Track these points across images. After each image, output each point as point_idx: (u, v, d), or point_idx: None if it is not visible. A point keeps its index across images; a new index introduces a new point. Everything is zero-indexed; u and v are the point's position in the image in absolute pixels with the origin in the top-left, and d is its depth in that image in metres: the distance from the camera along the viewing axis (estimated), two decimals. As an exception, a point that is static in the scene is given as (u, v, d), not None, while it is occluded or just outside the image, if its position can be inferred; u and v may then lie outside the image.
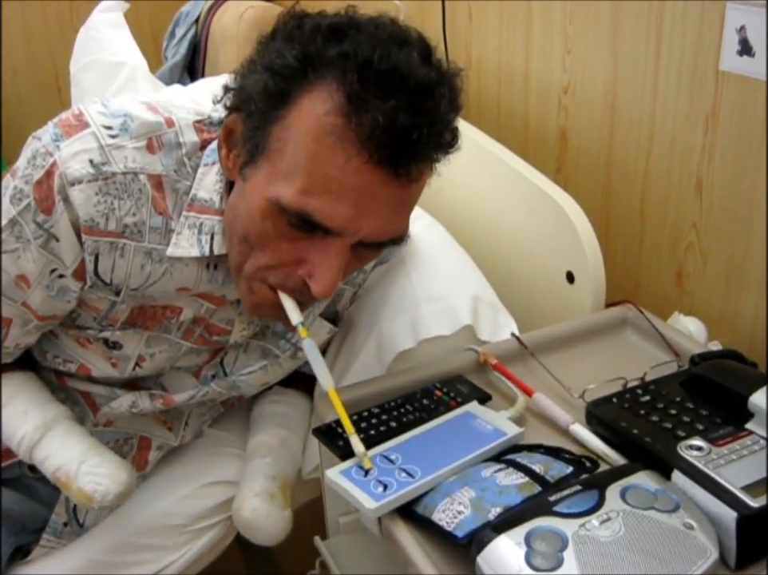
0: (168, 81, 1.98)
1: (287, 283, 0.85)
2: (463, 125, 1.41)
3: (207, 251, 0.91)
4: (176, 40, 2.20)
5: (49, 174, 0.87)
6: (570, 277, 1.17)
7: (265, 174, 0.82)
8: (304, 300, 0.87)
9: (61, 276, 0.92)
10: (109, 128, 0.89)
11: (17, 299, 0.95)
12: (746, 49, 1.07)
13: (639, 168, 1.30)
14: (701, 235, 1.22)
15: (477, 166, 1.37)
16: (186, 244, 0.92)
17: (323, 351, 1.18)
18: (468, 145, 1.39)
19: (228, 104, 0.88)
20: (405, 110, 0.75)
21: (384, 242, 0.85)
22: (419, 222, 1.26)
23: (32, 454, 1.02)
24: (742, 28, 1.06)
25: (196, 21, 2.18)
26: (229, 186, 0.90)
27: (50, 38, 2.42)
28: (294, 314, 0.86)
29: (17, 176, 0.90)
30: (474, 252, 1.31)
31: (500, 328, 1.11)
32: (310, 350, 0.86)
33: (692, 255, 1.24)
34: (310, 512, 1.20)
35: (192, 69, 2.18)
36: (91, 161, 0.87)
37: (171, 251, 0.92)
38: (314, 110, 0.78)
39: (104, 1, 1.76)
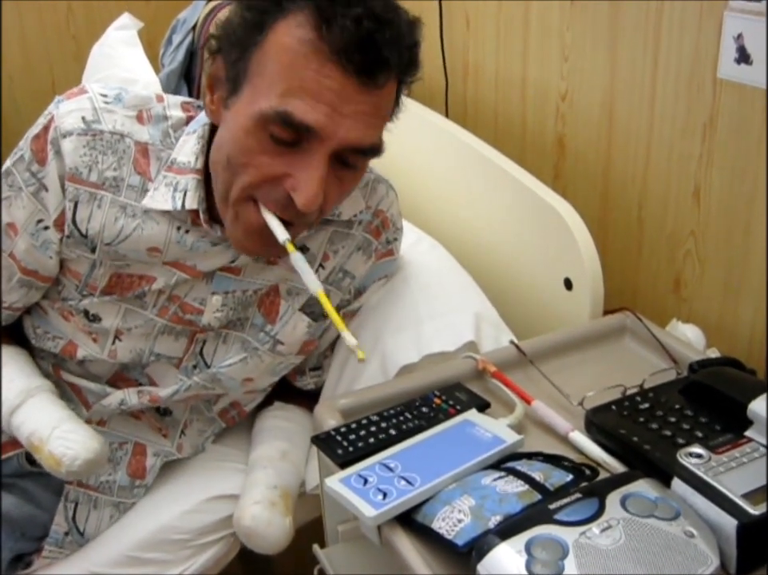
0: (165, 88, 1.98)
1: (271, 195, 0.90)
2: (461, 132, 1.43)
3: (179, 206, 0.98)
4: (172, 47, 2.19)
5: (46, 129, 0.98)
6: (568, 284, 1.17)
7: (248, 97, 0.88)
8: (290, 218, 0.92)
9: (45, 228, 1.00)
10: (105, 95, 1.00)
11: (6, 249, 1.03)
12: (743, 57, 1.07)
13: (637, 176, 1.30)
14: (699, 243, 1.23)
15: (474, 173, 1.37)
16: (161, 199, 0.99)
17: (327, 366, 1.20)
18: (465, 152, 1.40)
19: (212, 50, 0.93)
20: (369, 17, 0.84)
21: (361, 150, 0.90)
22: (421, 244, 1.30)
23: (11, 420, 1.03)
24: (740, 36, 1.07)
25: (193, 28, 2.18)
26: (208, 147, 0.97)
27: (47, 46, 2.41)
28: (279, 231, 0.91)
29: (22, 139, 1.01)
30: (472, 259, 1.32)
31: (501, 345, 1.12)
32: (298, 262, 0.91)
33: (690, 263, 1.25)
34: (310, 520, 1.20)
35: (188, 76, 2.18)
36: (83, 118, 0.97)
37: (145, 202, 0.99)
38: (289, 30, 0.85)
39: (119, 18, 1.81)
